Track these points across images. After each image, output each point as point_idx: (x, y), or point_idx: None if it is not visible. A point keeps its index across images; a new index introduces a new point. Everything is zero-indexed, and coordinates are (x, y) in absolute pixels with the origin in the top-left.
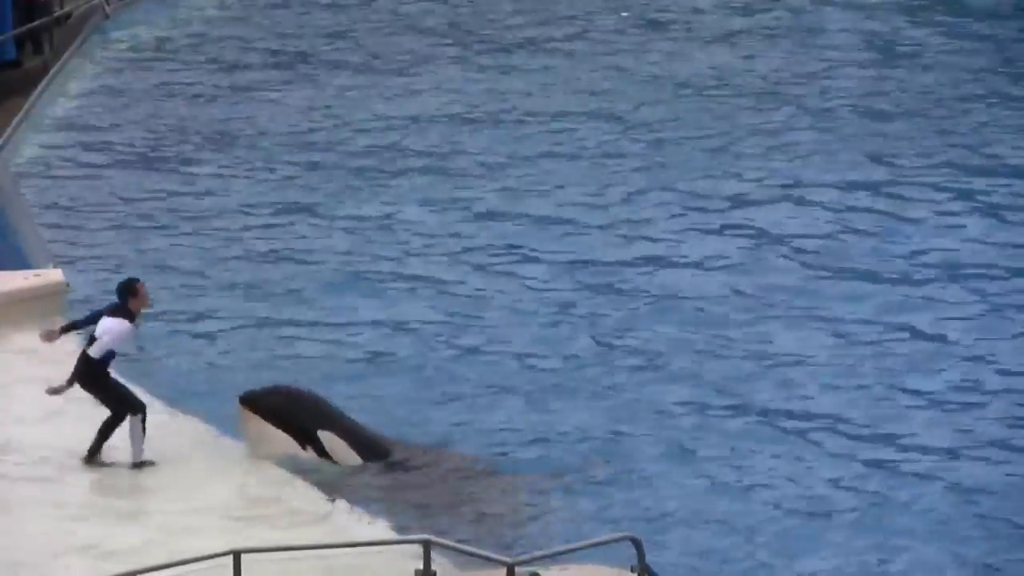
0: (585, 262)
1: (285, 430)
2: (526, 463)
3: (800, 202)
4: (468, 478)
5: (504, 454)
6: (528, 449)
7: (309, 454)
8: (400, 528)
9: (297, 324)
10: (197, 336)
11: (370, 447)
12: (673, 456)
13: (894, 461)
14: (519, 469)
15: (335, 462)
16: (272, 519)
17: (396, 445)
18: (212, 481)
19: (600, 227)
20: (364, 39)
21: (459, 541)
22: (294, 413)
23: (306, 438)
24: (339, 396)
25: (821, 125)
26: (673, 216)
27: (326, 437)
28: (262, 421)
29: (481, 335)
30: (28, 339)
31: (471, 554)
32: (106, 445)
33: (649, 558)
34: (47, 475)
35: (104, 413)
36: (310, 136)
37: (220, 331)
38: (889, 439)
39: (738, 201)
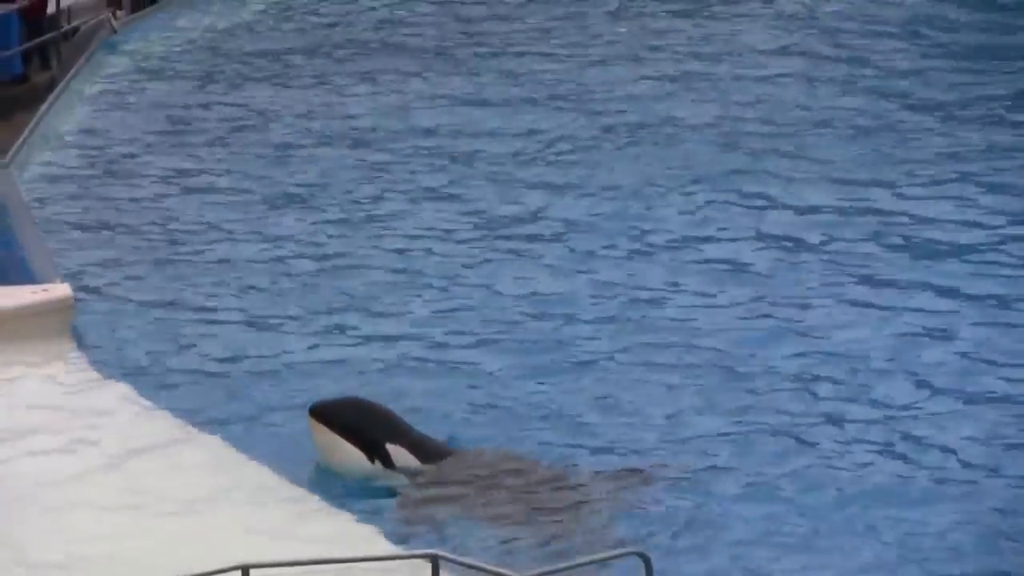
0: (651, 264)
1: (354, 442)
2: (593, 464)
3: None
4: (535, 488)
5: (572, 460)
6: (602, 455)
7: (376, 466)
8: (429, 543)
9: (352, 332)
10: (221, 346)
11: (439, 459)
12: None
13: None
14: (584, 473)
15: (402, 474)
16: (284, 535)
17: (465, 455)
18: (224, 494)
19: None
20: (373, 47)
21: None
22: (363, 425)
23: (374, 450)
24: (406, 408)
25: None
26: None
27: (394, 450)
28: (331, 433)
29: (549, 339)
30: (35, 354)
31: (479, 568)
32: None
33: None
34: (52, 489)
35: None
36: (324, 145)
37: (239, 342)
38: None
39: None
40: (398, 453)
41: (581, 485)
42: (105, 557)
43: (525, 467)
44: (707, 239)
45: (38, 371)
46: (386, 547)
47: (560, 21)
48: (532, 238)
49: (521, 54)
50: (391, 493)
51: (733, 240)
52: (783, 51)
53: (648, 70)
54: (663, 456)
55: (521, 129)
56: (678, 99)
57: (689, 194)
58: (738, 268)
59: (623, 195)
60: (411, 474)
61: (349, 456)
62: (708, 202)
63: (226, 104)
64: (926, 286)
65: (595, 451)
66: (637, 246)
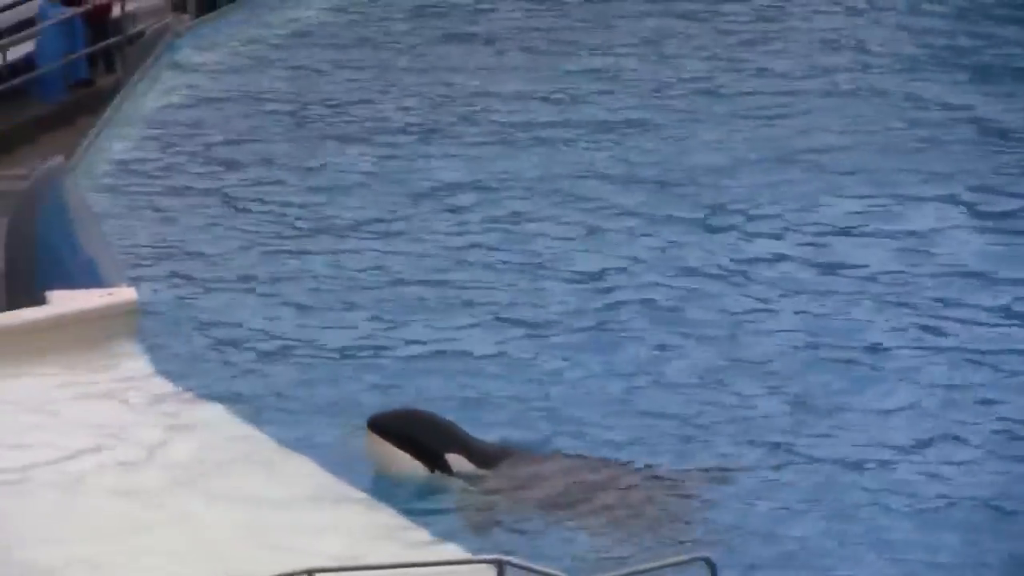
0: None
1: (413, 453)
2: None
3: None
4: (600, 490)
5: (637, 461)
6: (666, 456)
7: (437, 476)
8: (482, 547)
9: (411, 342)
10: (299, 356)
11: (501, 465)
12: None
13: None
14: (649, 474)
15: (463, 481)
16: (350, 541)
17: (527, 460)
18: (287, 498)
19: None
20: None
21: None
22: (422, 436)
23: (434, 461)
24: (466, 418)
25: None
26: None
27: (454, 459)
28: (390, 445)
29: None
30: (101, 357)
31: (544, 574)
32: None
33: None
34: (124, 495)
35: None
36: (397, 148)
37: (311, 353)
38: None
39: None
40: (457, 461)
41: (646, 487)
42: (169, 558)
43: (589, 469)
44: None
45: (103, 375)
46: (451, 552)
47: None
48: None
49: None
50: (454, 500)
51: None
52: None
53: None
54: (729, 456)
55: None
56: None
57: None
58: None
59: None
60: (473, 481)
61: (409, 467)
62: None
63: (293, 107)
64: None
65: (659, 452)
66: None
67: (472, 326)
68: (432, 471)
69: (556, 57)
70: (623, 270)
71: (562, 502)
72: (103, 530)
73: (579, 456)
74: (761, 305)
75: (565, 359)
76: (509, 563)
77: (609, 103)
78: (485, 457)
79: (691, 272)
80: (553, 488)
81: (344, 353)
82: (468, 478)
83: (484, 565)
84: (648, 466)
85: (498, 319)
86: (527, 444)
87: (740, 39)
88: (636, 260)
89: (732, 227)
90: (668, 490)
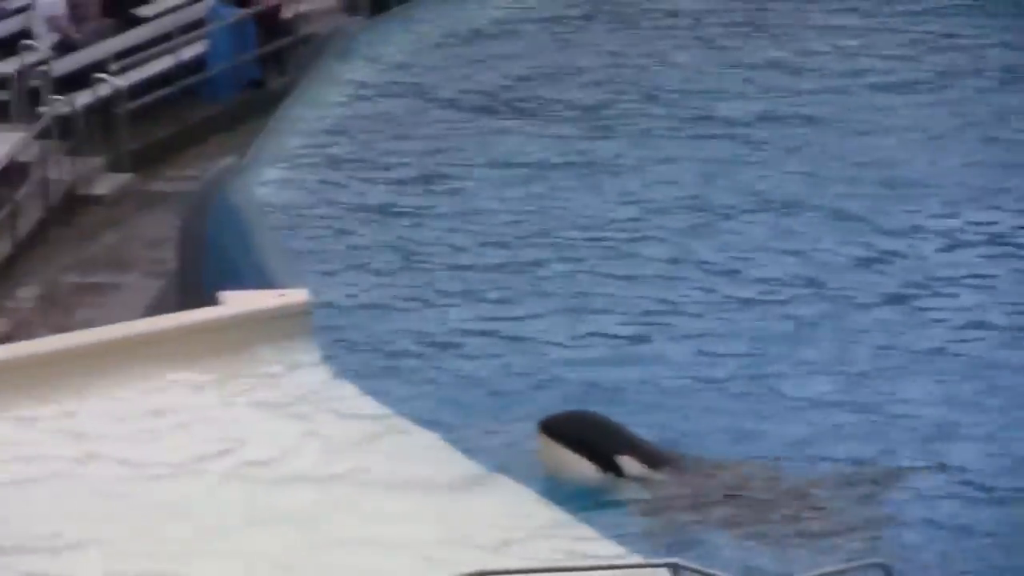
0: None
1: (584, 455)
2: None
3: None
4: (774, 494)
5: (812, 465)
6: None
7: (607, 478)
8: (656, 550)
9: (588, 342)
10: (463, 353)
11: (672, 468)
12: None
13: None
14: (826, 477)
15: (635, 484)
16: (521, 542)
17: (700, 463)
18: (457, 500)
19: None
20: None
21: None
22: (593, 438)
23: (605, 463)
24: (639, 422)
25: None
26: None
27: (625, 461)
28: (561, 447)
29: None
30: (273, 359)
31: None
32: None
33: None
34: (290, 495)
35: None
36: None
37: (481, 347)
38: None
39: None
40: (629, 463)
41: (820, 489)
42: (341, 553)
43: (762, 473)
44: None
45: (276, 376)
46: (624, 555)
47: None
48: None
49: None
50: (626, 503)
51: None
52: None
53: None
54: (909, 458)
55: None
56: None
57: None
58: None
59: None
60: (645, 483)
61: (580, 469)
62: None
63: (469, 112)
64: None
65: (832, 452)
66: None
67: (647, 326)
68: (604, 473)
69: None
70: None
71: (736, 506)
72: (283, 520)
73: (754, 462)
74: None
75: (732, 357)
76: (685, 567)
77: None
78: (656, 459)
79: (884, 274)
80: (726, 491)
81: (516, 351)
82: (640, 480)
83: (658, 569)
84: (823, 467)
85: (670, 323)
86: (696, 447)
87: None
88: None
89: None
90: (844, 492)
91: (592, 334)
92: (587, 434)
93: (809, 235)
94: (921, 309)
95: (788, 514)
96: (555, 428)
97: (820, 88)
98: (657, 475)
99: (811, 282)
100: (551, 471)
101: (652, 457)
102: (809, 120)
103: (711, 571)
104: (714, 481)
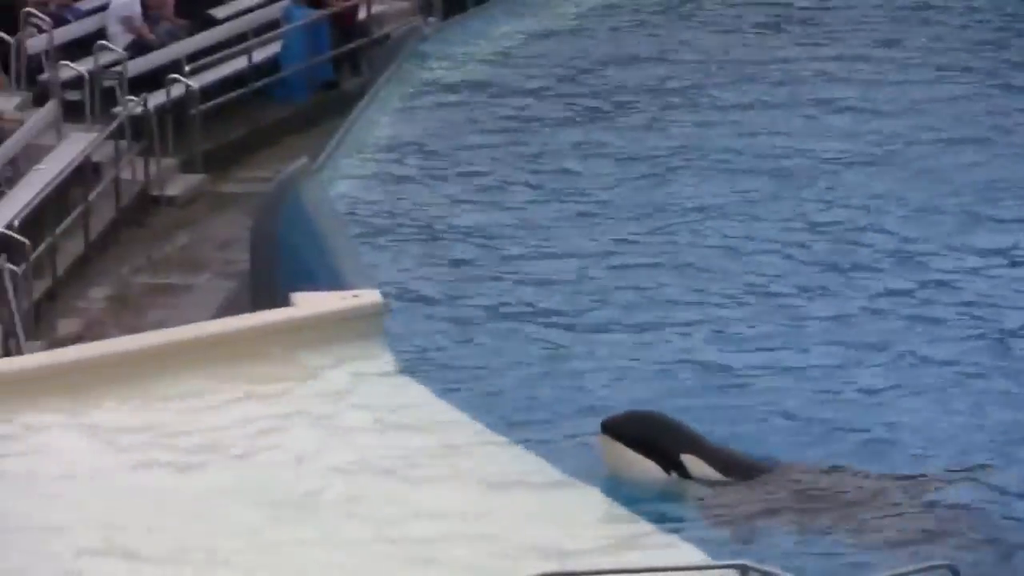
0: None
1: (648, 455)
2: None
3: None
4: (844, 497)
5: (881, 466)
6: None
7: (672, 478)
8: (724, 552)
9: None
10: (535, 353)
11: (736, 468)
12: None
13: None
14: (896, 480)
15: (701, 484)
16: (590, 543)
17: (767, 464)
18: (521, 501)
19: None
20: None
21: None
22: (656, 438)
23: (670, 463)
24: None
25: None
26: None
27: (689, 460)
28: (624, 448)
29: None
30: (346, 360)
31: None
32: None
33: None
34: (362, 495)
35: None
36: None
37: (556, 347)
38: None
39: None
40: (694, 463)
41: (893, 491)
42: (416, 550)
43: (832, 475)
44: None
45: (349, 378)
46: (692, 556)
47: None
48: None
49: None
50: (692, 503)
51: None
52: None
53: None
54: (986, 458)
55: None
56: None
57: None
58: None
59: None
60: (711, 484)
61: (644, 469)
62: None
63: (544, 115)
64: None
65: (904, 456)
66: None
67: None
68: (668, 473)
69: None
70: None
71: (803, 508)
72: (356, 519)
73: (825, 465)
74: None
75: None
76: (754, 569)
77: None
78: (722, 460)
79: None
80: (794, 493)
81: (591, 354)
82: (706, 481)
83: (727, 571)
84: (894, 469)
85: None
86: (764, 450)
87: None
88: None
89: None
90: (913, 494)
91: (667, 338)
92: (650, 433)
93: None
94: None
95: (858, 516)
96: (617, 428)
97: None
98: (724, 476)
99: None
100: (614, 472)
101: (718, 458)
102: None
103: (780, 572)
104: (785, 483)
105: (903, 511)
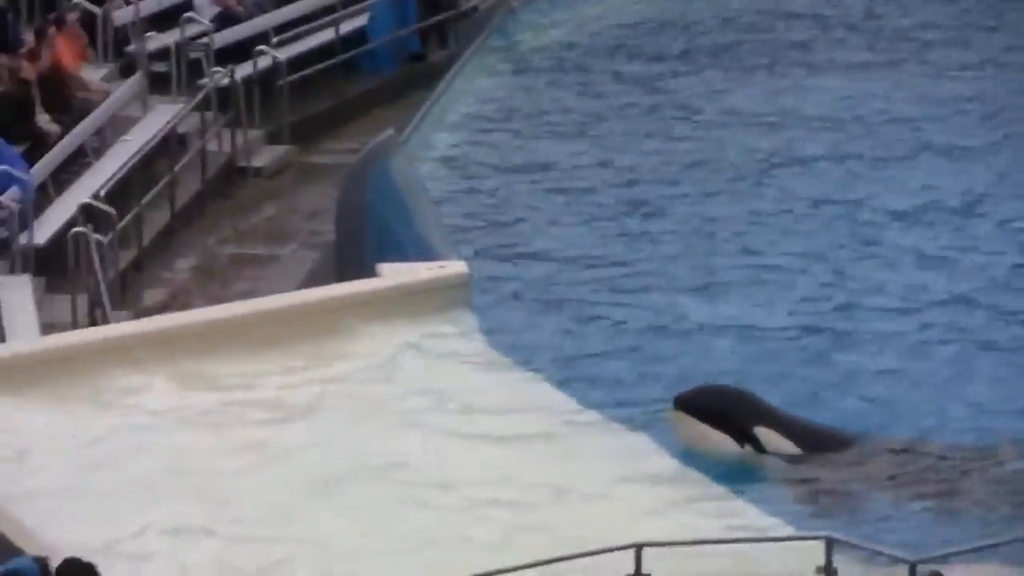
0: None
1: (721, 429)
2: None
3: None
4: (925, 468)
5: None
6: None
7: (746, 451)
8: (808, 523)
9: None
10: (623, 328)
11: (810, 440)
12: None
13: None
14: (975, 449)
15: (777, 457)
16: (676, 514)
17: (841, 436)
18: (613, 475)
19: None
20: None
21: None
22: (729, 411)
23: (743, 436)
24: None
25: None
26: None
27: (762, 432)
28: (697, 422)
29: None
30: (432, 331)
31: (874, 551)
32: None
33: None
34: (448, 465)
35: None
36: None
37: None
38: None
39: None
40: (768, 436)
41: (973, 462)
42: (492, 533)
43: (905, 447)
44: None
45: (435, 348)
46: (775, 528)
47: None
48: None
49: None
50: (769, 475)
51: None
52: None
53: None
54: None
55: None
56: None
57: None
58: None
59: None
60: (786, 456)
61: (717, 443)
62: None
63: (631, 90)
64: None
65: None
66: None
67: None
68: (742, 446)
69: None
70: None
71: (881, 480)
72: (436, 490)
73: (902, 437)
74: None
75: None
76: (840, 540)
77: None
78: (797, 432)
79: None
80: (871, 465)
81: (663, 326)
82: (780, 453)
83: (810, 542)
84: (970, 442)
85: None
86: (838, 421)
87: None
88: None
89: None
90: (995, 466)
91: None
92: (723, 407)
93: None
94: None
95: (941, 488)
96: (689, 402)
97: None
98: (799, 448)
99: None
100: (688, 446)
101: (793, 429)
102: None
103: (866, 544)
104: (865, 455)
105: (986, 481)
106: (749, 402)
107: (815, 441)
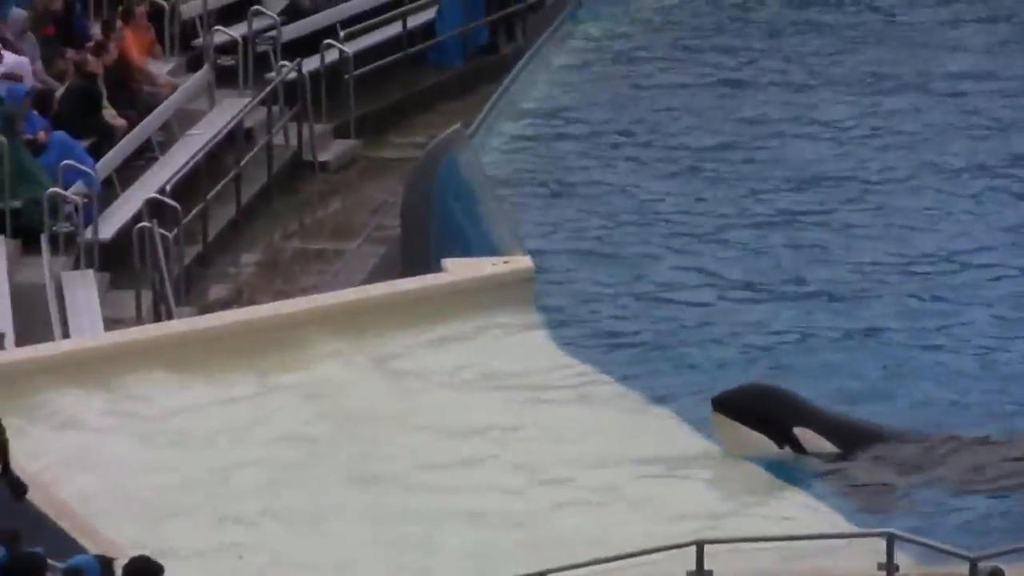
0: None
1: (760, 430)
2: None
3: None
4: (976, 463)
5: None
6: None
7: (786, 452)
8: (867, 521)
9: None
10: (680, 322)
11: (852, 438)
12: None
13: None
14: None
15: (814, 457)
16: (736, 512)
17: (885, 433)
18: (675, 471)
19: None
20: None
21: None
22: (767, 412)
23: (782, 436)
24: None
25: None
26: None
27: (802, 432)
28: (736, 424)
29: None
30: (497, 325)
31: (934, 548)
32: None
33: None
34: (511, 461)
35: None
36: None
37: (700, 316)
38: None
39: None
40: (807, 436)
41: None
42: (555, 526)
43: (959, 444)
44: None
45: (500, 343)
46: (837, 525)
47: None
48: None
49: None
50: (828, 473)
51: None
52: None
53: None
54: None
55: None
56: None
57: None
58: None
59: None
60: (826, 455)
61: (756, 444)
62: None
63: (698, 83)
64: None
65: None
66: None
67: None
68: (781, 447)
69: None
70: None
71: (928, 475)
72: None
73: (946, 433)
74: None
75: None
76: (899, 537)
77: None
78: (838, 431)
79: None
80: (916, 461)
81: (741, 323)
82: (821, 454)
83: (872, 539)
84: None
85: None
86: (877, 418)
87: None
88: None
89: None
90: None
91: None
92: (761, 408)
93: None
94: None
95: (995, 482)
96: (727, 404)
97: None
98: (840, 447)
99: None
100: (729, 447)
101: (834, 428)
102: None
103: (926, 540)
104: (907, 452)
105: None
106: (788, 402)
107: (857, 439)
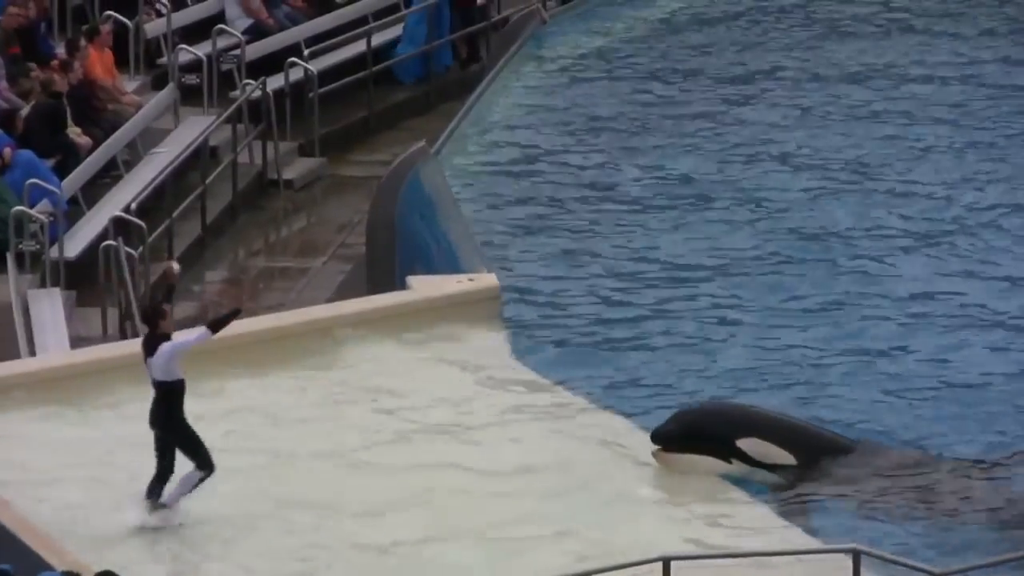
0: None
1: (703, 452)
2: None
3: None
4: (933, 481)
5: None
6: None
7: (736, 466)
8: (831, 534)
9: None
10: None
11: (805, 443)
12: None
13: None
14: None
15: (767, 466)
16: (700, 527)
17: (843, 440)
18: (641, 486)
19: None
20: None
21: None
22: (706, 432)
23: (727, 451)
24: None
25: None
26: None
27: (748, 443)
28: (679, 455)
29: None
30: (462, 343)
31: (900, 564)
32: None
33: None
34: (483, 478)
35: None
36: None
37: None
38: None
39: None
40: (755, 446)
41: (978, 472)
42: (522, 544)
43: (919, 459)
44: None
45: (465, 360)
46: (803, 541)
47: None
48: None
49: None
50: (764, 487)
51: None
52: None
53: None
54: None
55: None
56: None
57: None
58: None
59: None
60: (782, 466)
61: (704, 467)
62: None
63: (659, 101)
64: None
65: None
66: None
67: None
68: (729, 462)
69: None
70: None
71: (883, 488)
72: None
73: (900, 447)
74: None
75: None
76: (865, 553)
77: None
78: (791, 438)
79: None
80: (872, 471)
81: (695, 343)
82: (774, 463)
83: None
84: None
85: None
86: (832, 425)
87: None
88: None
89: None
90: (1002, 477)
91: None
92: (698, 429)
93: None
94: None
95: (949, 499)
96: (664, 436)
97: None
98: (792, 456)
99: None
100: (682, 476)
101: (788, 436)
102: None
103: (893, 556)
104: (869, 462)
105: (990, 494)
106: (729, 416)
107: (813, 448)
